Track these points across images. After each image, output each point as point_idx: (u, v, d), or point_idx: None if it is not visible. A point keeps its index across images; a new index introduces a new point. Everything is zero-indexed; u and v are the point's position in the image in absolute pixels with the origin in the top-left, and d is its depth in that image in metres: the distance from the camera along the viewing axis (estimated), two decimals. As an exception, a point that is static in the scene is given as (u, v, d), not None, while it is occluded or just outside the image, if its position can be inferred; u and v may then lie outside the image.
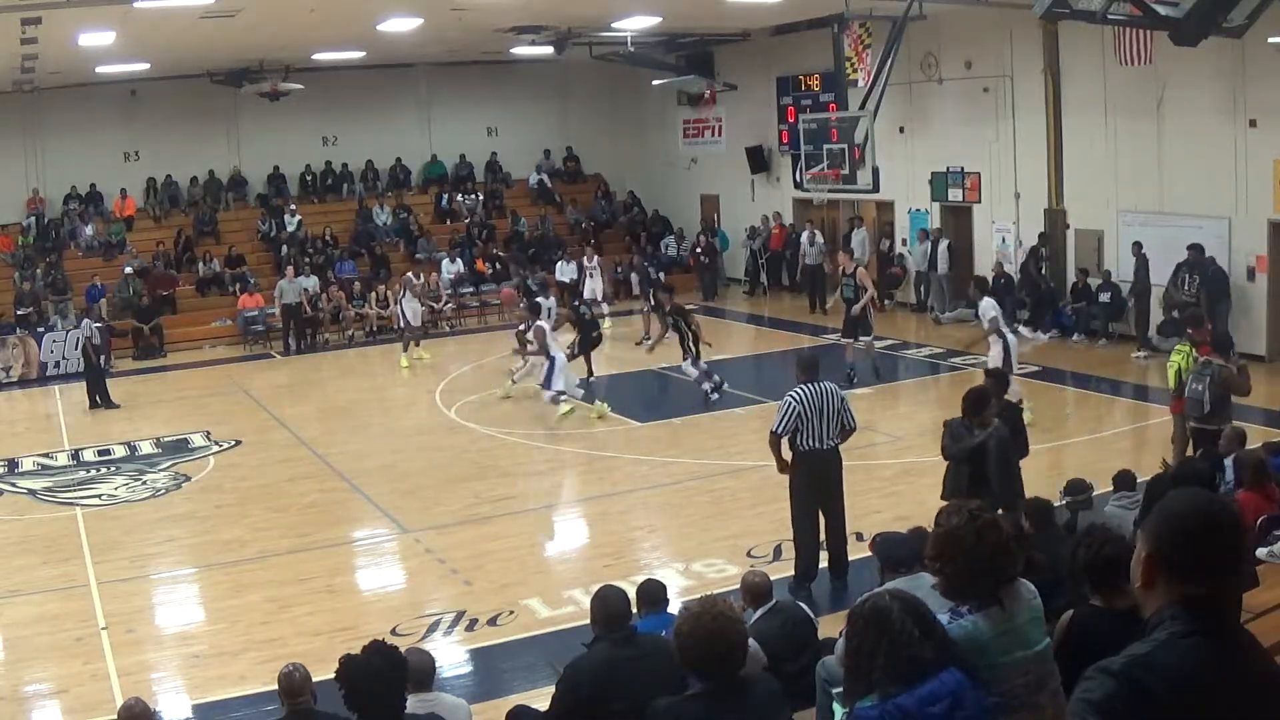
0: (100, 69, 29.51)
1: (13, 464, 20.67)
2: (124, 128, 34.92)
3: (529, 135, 39.11)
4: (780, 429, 12.33)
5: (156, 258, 33.37)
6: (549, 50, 30.44)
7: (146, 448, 20.92)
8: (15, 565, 15.41)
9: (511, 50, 31.78)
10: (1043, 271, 26.27)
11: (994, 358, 18.25)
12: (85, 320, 26.80)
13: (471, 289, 33.69)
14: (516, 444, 19.87)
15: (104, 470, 19.90)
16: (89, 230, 34.39)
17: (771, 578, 9.21)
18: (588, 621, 7.44)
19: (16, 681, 11.96)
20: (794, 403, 12.29)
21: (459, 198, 37.59)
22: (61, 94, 33.00)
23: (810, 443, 12.34)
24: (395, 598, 13.92)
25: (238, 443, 20.98)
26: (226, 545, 15.49)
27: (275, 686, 7.67)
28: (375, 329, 31.34)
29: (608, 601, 7.24)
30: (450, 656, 11.44)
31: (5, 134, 33.92)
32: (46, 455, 21.13)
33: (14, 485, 19.33)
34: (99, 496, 18.33)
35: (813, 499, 12.60)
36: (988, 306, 18.88)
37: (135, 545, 15.78)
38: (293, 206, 35.92)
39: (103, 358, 26.58)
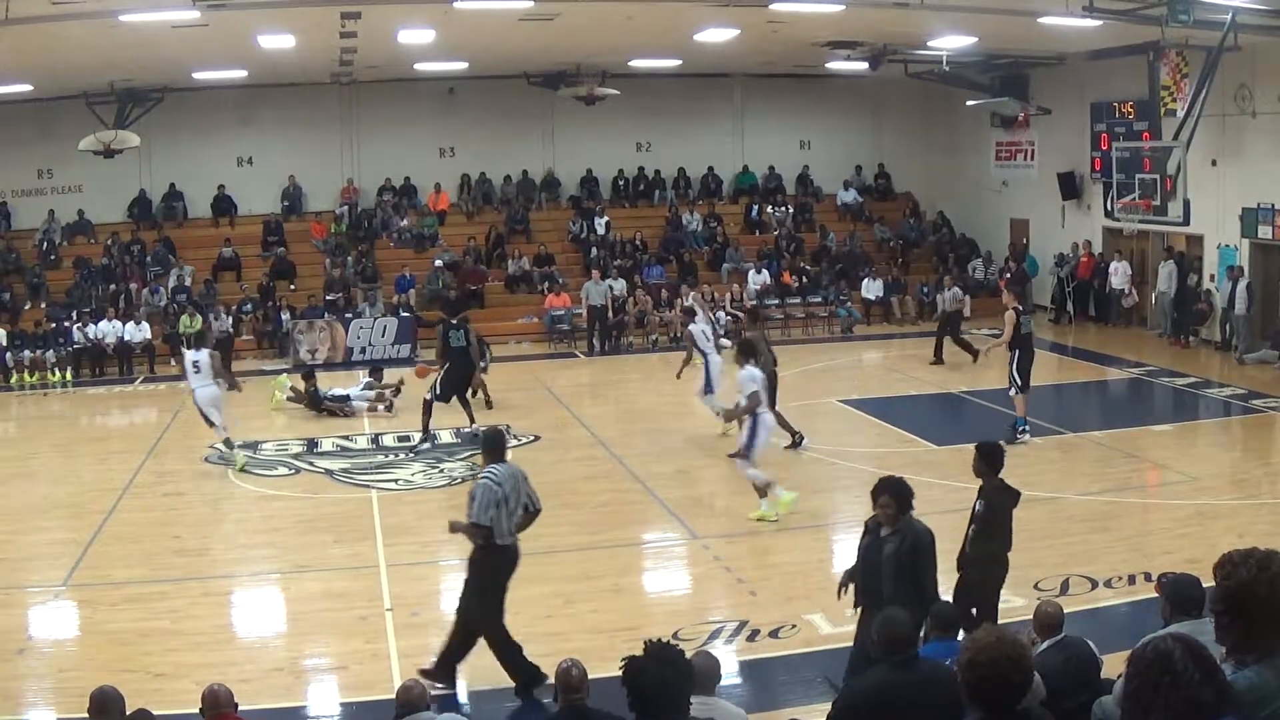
0: (419, 66, 30.21)
1: (312, 444, 21.31)
2: (440, 124, 35.83)
3: (840, 150, 38.75)
4: (484, 520, 10.77)
5: (467, 252, 34.02)
6: (863, 66, 30.09)
7: (445, 437, 21.20)
8: (307, 542, 15.85)
9: (826, 65, 31.38)
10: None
11: None
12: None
13: (777, 301, 33.21)
14: (811, 459, 19.36)
15: (402, 455, 20.24)
16: (402, 222, 35.15)
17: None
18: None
19: (298, 654, 12.23)
20: (493, 487, 10.82)
21: (769, 209, 37.37)
22: (379, 88, 34.03)
23: (505, 537, 10.95)
24: (680, 602, 13.81)
25: (536, 438, 21.15)
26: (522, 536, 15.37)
27: (552, 680, 7.66)
28: (678, 335, 31.13)
29: (891, 624, 7.02)
30: (729, 665, 11.20)
31: (323, 125, 35.13)
32: (346, 438, 21.70)
33: (312, 465, 19.75)
34: (395, 481, 18.67)
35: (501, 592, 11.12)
36: None
37: (427, 531, 15.89)
38: (604, 209, 36.05)
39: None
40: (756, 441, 16.10)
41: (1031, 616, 8.46)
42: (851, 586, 9.81)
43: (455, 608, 11.30)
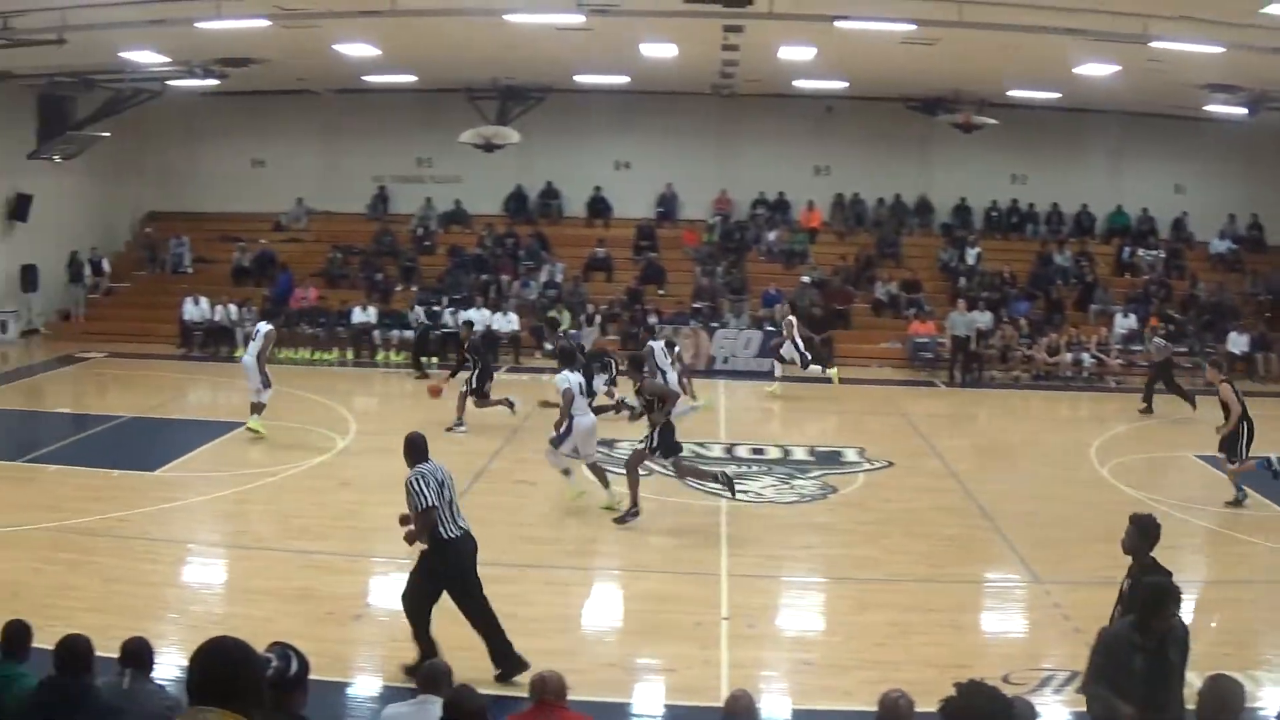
0: (798, 82, 30.32)
1: (669, 447, 21.35)
2: (816, 142, 35.91)
3: (1215, 196, 36.93)
4: (432, 501, 11.14)
5: (836, 271, 34.01)
6: (1241, 111, 28.72)
7: (800, 454, 21.16)
8: (653, 543, 16.02)
9: (1204, 107, 30.21)
10: None
11: None
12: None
13: (1139, 347, 32.02)
14: (1165, 514, 18.57)
15: (755, 468, 20.28)
16: (772, 236, 35.41)
17: None
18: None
19: (631, 652, 12.33)
20: (434, 472, 11.35)
21: (1140, 252, 36.09)
22: (758, 102, 34.31)
23: (450, 530, 11.30)
24: (1013, 645, 13.37)
25: (889, 464, 20.92)
26: (859, 562, 15.38)
27: (876, 708, 7.53)
28: (1042, 373, 30.51)
29: (1221, 690, 6.79)
30: (1055, 715, 10.84)
31: (700, 135, 35.61)
32: (702, 445, 21.75)
33: (665, 467, 19.89)
34: (746, 493, 18.54)
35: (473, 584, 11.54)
36: None
37: (772, 545, 15.92)
38: (975, 239, 35.57)
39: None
40: (567, 438, 17.28)
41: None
42: None
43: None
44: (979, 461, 22.17)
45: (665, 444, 16.74)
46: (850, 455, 21.30)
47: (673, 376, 22.98)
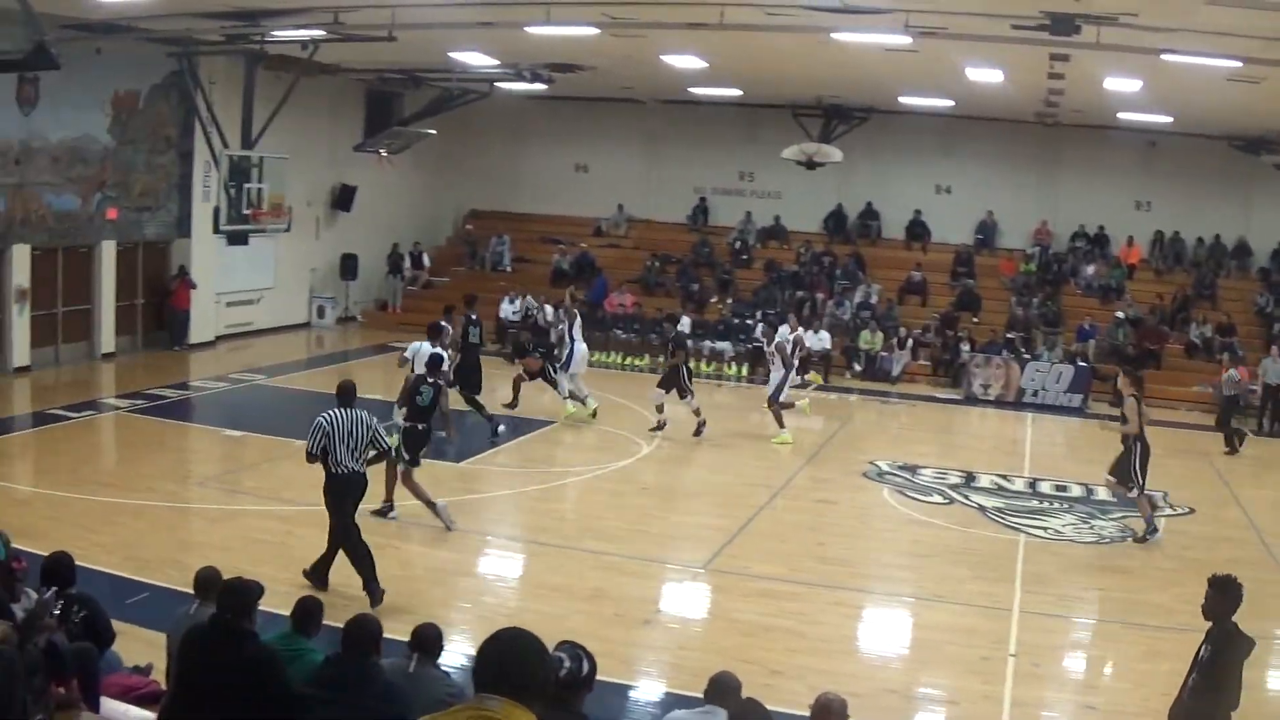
0: (1122, 115, 29.83)
1: (970, 477, 21.61)
2: (1138, 176, 35.34)
3: None
4: (311, 449, 13.58)
5: (1152, 310, 33.37)
6: None
7: (1102, 493, 20.87)
8: (946, 573, 16.13)
9: None
10: None
11: None
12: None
13: None
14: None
15: (1056, 505, 20.23)
16: (1090, 270, 34.96)
17: None
18: None
19: (913, 680, 12.60)
20: (323, 424, 13.52)
21: None
22: (1080, 132, 33.96)
23: (339, 466, 13.50)
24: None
25: (1190, 510, 20.60)
26: (1152, 608, 15.25)
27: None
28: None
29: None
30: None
31: (1022, 163, 35.43)
32: (1004, 477, 21.88)
33: (966, 498, 20.10)
34: (1045, 529, 18.64)
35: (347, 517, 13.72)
36: None
37: (1065, 584, 15.97)
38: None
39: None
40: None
41: None
42: None
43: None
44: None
45: None
46: (1154, 499, 21.07)
47: None
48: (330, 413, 13.62)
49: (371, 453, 13.96)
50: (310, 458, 13.66)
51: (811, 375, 28.14)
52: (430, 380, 17.27)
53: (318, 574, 13.69)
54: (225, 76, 28.88)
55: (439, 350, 19.60)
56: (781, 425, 23.53)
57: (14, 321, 26.31)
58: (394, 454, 15.40)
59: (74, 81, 24.67)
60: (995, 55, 21.85)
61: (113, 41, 24.85)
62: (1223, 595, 9.23)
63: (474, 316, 23.58)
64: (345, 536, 13.62)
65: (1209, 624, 9.26)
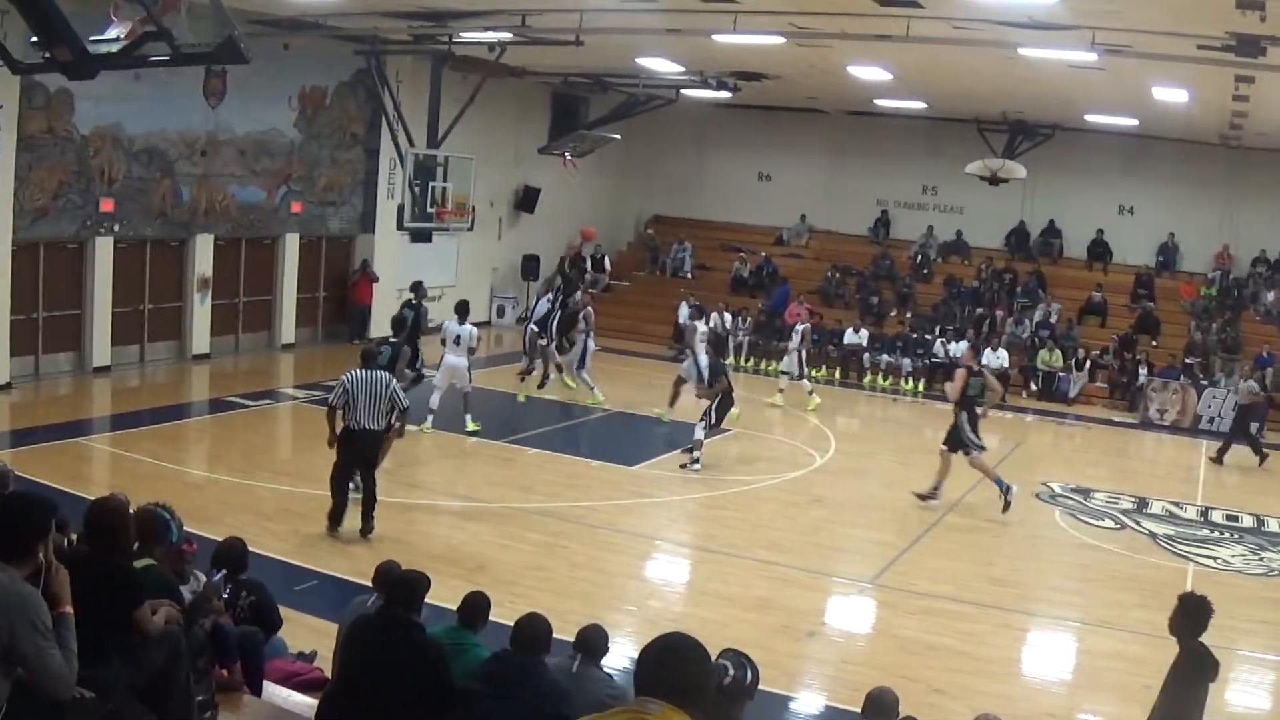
0: (1305, 139, 29.19)
1: (1142, 503, 21.28)
2: (1323, 203, 34.20)
3: None
4: (333, 401, 15.22)
5: (1331, 338, 32.51)
6: None
7: (1275, 525, 20.55)
8: (1113, 599, 15.93)
9: None
10: None
11: None
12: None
13: None
14: None
15: (1227, 535, 19.87)
16: (1269, 296, 34.16)
17: None
18: None
19: (1074, 706, 12.53)
20: (345, 382, 15.14)
21: None
22: (1264, 156, 33.17)
23: (354, 421, 15.09)
24: None
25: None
26: (1314, 647, 14.88)
27: None
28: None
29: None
30: None
31: (1205, 185, 34.63)
32: (1177, 504, 21.50)
33: (1138, 524, 19.84)
34: (1214, 559, 18.33)
35: (350, 468, 15.49)
36: None
37: (1231, 616, 15.56)
38: None
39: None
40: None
41: None
42: None
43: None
44: None
45: None
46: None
47: None
48: (352, 373, 15.28)
49: (394, 413, 15.54)
50: (331, 410, 15.28)
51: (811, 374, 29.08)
52: (392, 340, 19.89)
53: (366, 523, 15.48)
54: (411, 76, 29.53)
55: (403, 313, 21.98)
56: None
57: (195, 309, 27.18)
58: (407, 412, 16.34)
59: (262, 76, 25.31)
60: (1181, 75, 21.56)
61: (301, 38, 25.40)
62: (1185, 615, 9.21)
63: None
64: (349, 484, 15.63)
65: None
